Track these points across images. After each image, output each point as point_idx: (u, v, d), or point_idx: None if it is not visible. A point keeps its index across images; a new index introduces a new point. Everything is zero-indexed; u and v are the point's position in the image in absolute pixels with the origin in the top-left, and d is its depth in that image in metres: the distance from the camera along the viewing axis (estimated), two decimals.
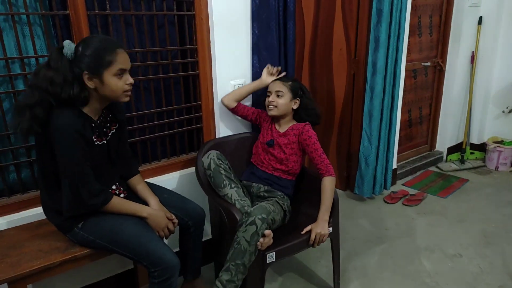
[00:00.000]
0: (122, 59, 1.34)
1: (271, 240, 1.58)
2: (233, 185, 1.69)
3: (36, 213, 1.63)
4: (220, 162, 1.71)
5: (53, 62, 1.29)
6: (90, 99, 1.37)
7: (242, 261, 1.53)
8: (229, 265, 1.55)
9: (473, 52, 3.44)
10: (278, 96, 1.85)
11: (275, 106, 1.85)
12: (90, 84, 1.32)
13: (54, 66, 1.29)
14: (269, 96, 1.88)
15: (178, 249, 1.76)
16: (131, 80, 1.37)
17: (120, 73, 1.34)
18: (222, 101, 2.01)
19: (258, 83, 2.01)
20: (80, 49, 1.31)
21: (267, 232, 1.54)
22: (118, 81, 1.34)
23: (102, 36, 1.37)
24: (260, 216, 1.53)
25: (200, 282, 1.80)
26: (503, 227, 2.53)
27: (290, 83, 1.87)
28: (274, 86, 1.88)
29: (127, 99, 1.39)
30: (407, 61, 2.95)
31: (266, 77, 2.00)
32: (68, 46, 1.31)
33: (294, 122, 1.92)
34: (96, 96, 1.36)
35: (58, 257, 1.38)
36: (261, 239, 1.54)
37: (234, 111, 2.01)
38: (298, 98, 1.89)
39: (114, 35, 1.77)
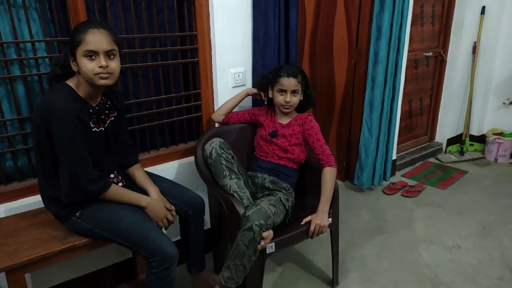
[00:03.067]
0: (92, 39, 1.27)
1: (272, 235, 1.57)
2: (233, 176, 1.66)
3: (33, 201, 1.61)
4: (222, 151, 1.68)
5: None
6: (82, 83, 1.34)
7: (241, 262, 1.53)
8: (229, 263, 1.55)
9: (475, 42, 3.40)
10: (293, 94, 1.79)
11: (291, 106, 1.81)
12: (73, 66, 1.32)
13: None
14: (282, 94, 1.80)
15: (179, 238, 1.74)
16: (102, 62, 1.28)
17: (90, 54, 1.28)
18: (212, 118, 2.02)
19: (244, 94, 1.97)
20: None
21: (265, 234, 1.51)
22: (88, 63, 1.28)
23: (88, 19, 1.34)
24: (257, 222, 1.49)
25: (207, 275, 1.78)
26: (501, 218, 2.53)
27: (300, 78, 1.80)
28: (290, 84, 1.77)
29: (102, 81, 1.31)
30: (408, 51, 2.92)
31: (251, 88, 1.96)
32: None
33: (296, 113, 1.90)
34: (84, 80, 1.33)
35: (56, 246, 1.37)
36: (262, 242, 1.52)
37: (225, 123, 1.99)
38: (304, 89, 1.85)
39: (112, 20, 1.72)
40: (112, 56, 1.32)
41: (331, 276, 1.96)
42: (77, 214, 1.39)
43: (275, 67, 1.93)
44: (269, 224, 1.54)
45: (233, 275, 1.54)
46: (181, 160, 2.04)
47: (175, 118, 2.01)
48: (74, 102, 1.31)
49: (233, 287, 1.56)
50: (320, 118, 3.01)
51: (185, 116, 2.05)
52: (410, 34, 2.90)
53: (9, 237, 1.41)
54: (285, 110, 1.84)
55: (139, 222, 1.40)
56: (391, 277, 1.99)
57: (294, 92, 1.79)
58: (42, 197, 1.45)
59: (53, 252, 1.35)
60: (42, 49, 1.61)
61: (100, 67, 1.29)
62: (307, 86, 1.87)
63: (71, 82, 1.35)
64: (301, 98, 1.85)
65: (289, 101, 1.79)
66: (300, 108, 1.91)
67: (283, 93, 1.80)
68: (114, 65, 1.32)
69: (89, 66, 1.28)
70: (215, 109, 2.07)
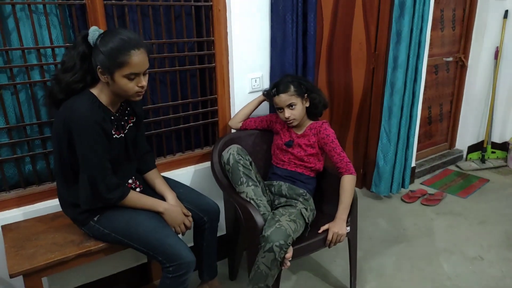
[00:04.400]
0: (136, 62, 1.27)
1: (291, 252, 1.54)
2: (250, 183, 1.64)
3: (51, 205, 1.62)
4: (240, 157, 1.66)
5: (73, 46, 1.32)
6: (105, 91, 1.35)
7: (264, 283, 1.52)
8: (252, 287, 1.53)
9: (497, 47, 3.31)
10: (291, 108, 1.77)
11: (294, 119, 1.78)
12: (102, 78, 1.31)
13: (72, 51, 1.31)
14: (281, 111, 1.79)
15: (191, 244, 1.73)
16: (143, 83, 1.32)
17: (133, 77, 1.29)
18: (229, 125, 2.00)
19: (261, 99, 1.95)
20: (98, 41, 1.28)
21: (288, 255, 1.50)
22: (128, 83, 1.29)
23: (125, 33, 1.29)
24: (278, 243, 1.46)
25: (216, 283, 1.76)
26: None
27: (293, 88, 1.75)
28: (282, 101, 1.75)
29: (138, 98, 1.36)
30: (428, 56, 2.86)
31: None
32: (92, 33, 1.29)
33: (310, 121, 1.86)
34: (109, 90, 1.34)
35: (73, 251, 1.37)
36: (285, 265, 1.51)
37: (243, 129, 1.98)
38: (306, 95, 1.81)
39: (130, 25, 1.73)
40: (146, 73, 1.34)
41: (348, 286, 1.91)
42: (95, 219, 1.40)
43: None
44: (289, 243, 1.51)
45: None
46: (196, 165, 2.03)
47: (191, 123, 2.01)
48: (97, 110, 1.31)
49: None
50: (337, 124, 2.97)
51: (201, 122, 2.04)
52: (430, 39, 2.84)
53: (27, 241, 1.42)
54: (290, 125, 1.82)
55: (157, 227, 1.39)
56: None
57: (290, 106, 1.76)
58: (60, 201, 1.46)
59: (69, 256, 1.35)
60: (62, 55, 1.62)
61: (141, 86, 1.32)
62: (310, 91, 1.81)
63: (94, 90, 1.35)
64: (307, 105, 1.82)
65: (289, 116, 1.77)
66: (312, 114, 1.87)
67: (281, 110, 1.79)
68: (146, 80, 1.35)
69: (129, 85, 1.30)
70: (232, 114, 2.06)
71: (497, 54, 3.32)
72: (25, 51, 1.53)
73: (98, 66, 1.28)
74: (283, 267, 1.52)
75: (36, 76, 1.59)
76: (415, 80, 2.59)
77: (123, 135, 1.43)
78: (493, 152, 3.53)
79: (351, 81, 2.82)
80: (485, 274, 2.04)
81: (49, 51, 1.59)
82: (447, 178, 3.20)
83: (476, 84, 3.34)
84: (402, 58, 2.44)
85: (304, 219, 1.66)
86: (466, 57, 3.33)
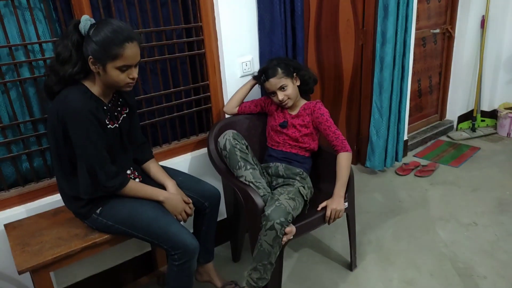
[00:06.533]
0: (129, 55, 1.28)
1: (294, 231, 1.57)
2: (248, 167, 1.66)
3: (52, 201, 1.63)
4: (236, 142, 1.68)
5: (66, 36, 1.30)
6: (96, 82, 1.35)
7: (268, 260, 1.55)
8: (256, 265, 1.57)
9: (483, 16, 3.33)
10: (283, 90, 1.78)
11: (289, 99, 1.79)
12: (93, 68, 1.30)
13: (65, 41, 1.30)
14: (274, 95, 1.80)
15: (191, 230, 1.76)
16: (134, 74, 1.33)
17: (125, 68, 1.30)
18: (225, 111, 1.99)
19: (253, 82, 1.94)
20: (91, 31, 1.27)
21: (288, 230, 1.53)
22: (120, 74, 1.31)
23: (117, 24, 1.28)
24: (278, 221, 1.49)
25: (211, 266, 1.78)
26: None
27: (280, 71, 1.76)
28: (273, 85, 1.77)
29: (128, 89, 1.38)
30: (416, 29, 2.86)
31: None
32: (84, 22, 1.28)
33: (304, 102, 1.88)
34: (100, 80, 1.34)
35: (78, 244, 1.39)
36: (284, 238, 1.54)
37: (239, 114, 1.98)
38: (295, 74, 1.82)
39: (116, 15, 1.71)
40: (137, 65, 1.34)
41: (348, 259, 1.97)
42: (98, 211, 1.41)
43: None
44: (289, 220, 1.54)
45: (263, 274, 1.56)
46: (193, 152, 2.04)
47: (185, 111, 2.01)
48: (90, 101, 1.31)
49: (264, 284, 1.58)
50: (328, 102, 2.98)
51: (194, 109, 2.04)
52: (417, 11, 2.84)
53: (31, 237, 1.43)
54: (285, 106, 1.83)
55: (159, 216, 1.41)
56: (409, 257, 2.00)
57: (281, 88, 1.77)
58: (61, 196, 1.47)
59: (75, 250, 1.37)
60: (50, 50, 1.61)
61: (132, 78, 1.33)
62: (297, 70, 1.82)
63: (85, 81, 1.35)
64: (298, 84, 1.83)
65: (283, 98, 1.78)
66: (304, 92, 1.89)
67: (274, 94, 1.80)
68: (137, 72, 1.35)
69: (121, 77, 1.31)
70: (225, 99, 2.06)
71: (483, 23, 3.34)
72: (12, 48, 1.51)
73: (90, 56, 1.27)
74: (282, 242, 1.55)
75: (25, 73, 1.57)
76: (404, 54, 2.61)
77: (117, 126, 1.44)
78: (482, 121, 3.59)
79: (340, 58, 2.82)
80: (480, 239, 2.11)
81: (36, 46, 1.57)
82: (439, 148, 3.26)
83: (464, 54, 3.37)
84: (390, 32, 2.45)
85: (303, 197, 1.69)
86: (453, 27, 3.34)
